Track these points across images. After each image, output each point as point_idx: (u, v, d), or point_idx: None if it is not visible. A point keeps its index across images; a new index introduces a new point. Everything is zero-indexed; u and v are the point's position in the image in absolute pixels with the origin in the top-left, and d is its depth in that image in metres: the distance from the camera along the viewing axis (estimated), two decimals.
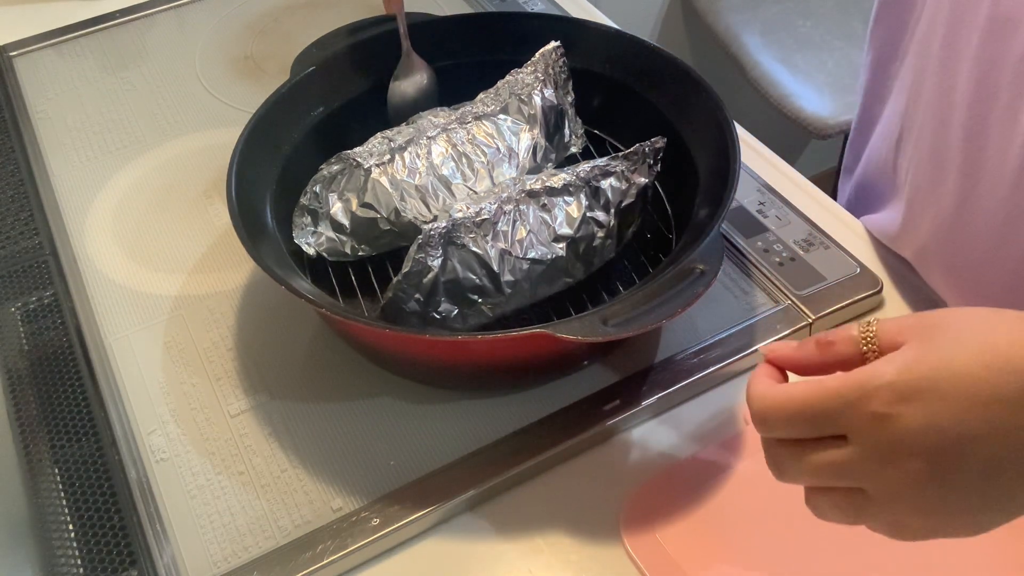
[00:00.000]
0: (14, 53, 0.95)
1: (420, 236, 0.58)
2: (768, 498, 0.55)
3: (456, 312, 0.60)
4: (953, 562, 0.52)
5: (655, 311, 0.54)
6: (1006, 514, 0.37)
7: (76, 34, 0.97)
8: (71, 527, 0.56)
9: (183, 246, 0.74)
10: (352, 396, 0.62)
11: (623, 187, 0.63)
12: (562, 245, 0.61)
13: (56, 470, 0.59)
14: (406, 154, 0.65)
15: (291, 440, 0.60)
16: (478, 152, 0.67)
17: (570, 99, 0.71)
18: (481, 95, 0.70)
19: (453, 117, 0.68)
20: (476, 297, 0.60)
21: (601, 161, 0.63)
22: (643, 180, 0.64)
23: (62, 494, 0.58)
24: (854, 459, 0.37)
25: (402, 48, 0.72)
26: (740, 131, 0.70)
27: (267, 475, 0.58)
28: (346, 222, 0.64)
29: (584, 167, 0.63)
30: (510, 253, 0.60)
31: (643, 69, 0.71)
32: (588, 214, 0.61)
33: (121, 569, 0.54)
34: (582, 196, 0.62)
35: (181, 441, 0.61)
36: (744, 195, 0.73)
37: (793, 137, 1.77)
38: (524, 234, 0.60)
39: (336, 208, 0.64)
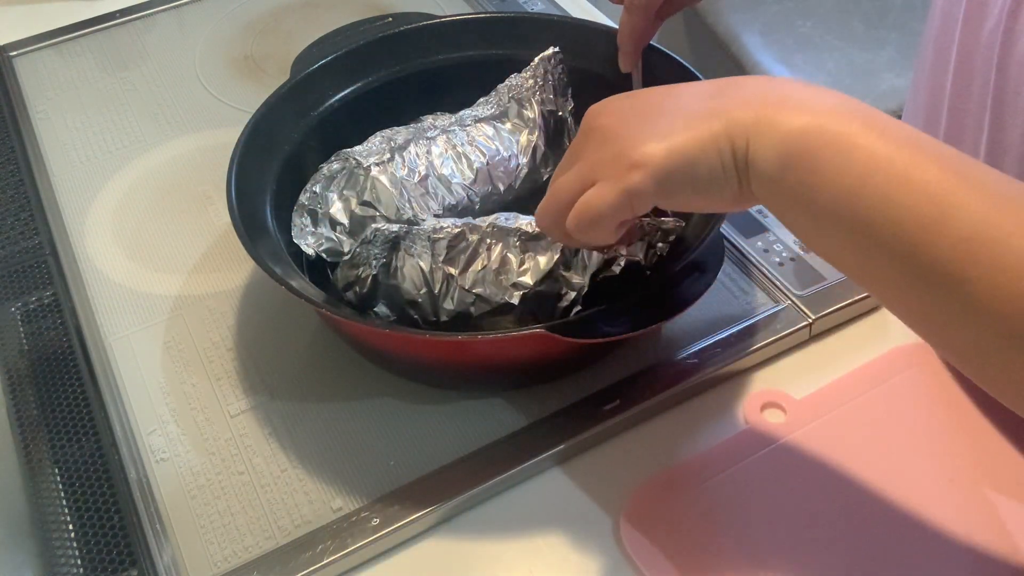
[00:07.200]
0: (14, 53, 0.95)
1: (367, 231, 0.58)
2: (768, 498, 0.56)
3: (394, 320, 0.58)
4: (953, 564, 0.52)
5: (655, 312, 0.54)
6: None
7: (76, 34, 0.97)
8: (71, 527, 0.56)
9: (183, 246, 0.74)
10: (352, 396, 0.62)
11: (608, 257, 0.56)
12: (518, 294, 0.57)
13: (56, 470, 0.59)
14: (406, 153, 0.65)
15: (291, 440, 0.60)
16: (478, 152, 0.67)
17: (570, 107, 0.71)
18: (481, 99, 0.70)
19: (453, 120, 0.68)
20: (413, 313, 0.58)
21: None
22: (636, 257, 0.56)
23: (62, 494, 0.58)
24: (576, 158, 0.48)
25: None
26: None
27: (267, 475, 0.58)
28: (345, 220, 0.64)
29: None
30: (455, 280, 0.57)
31: (643, 69, 0.71)
32: (561, 271, 0.57)
33: (121, 569, 0.54)
34: (557, 249, 0.57)
35: (181, 441, 0.61)
36: None
37: None
38: (480, 267, 0.57)
39: (335, 207, 0.64)
